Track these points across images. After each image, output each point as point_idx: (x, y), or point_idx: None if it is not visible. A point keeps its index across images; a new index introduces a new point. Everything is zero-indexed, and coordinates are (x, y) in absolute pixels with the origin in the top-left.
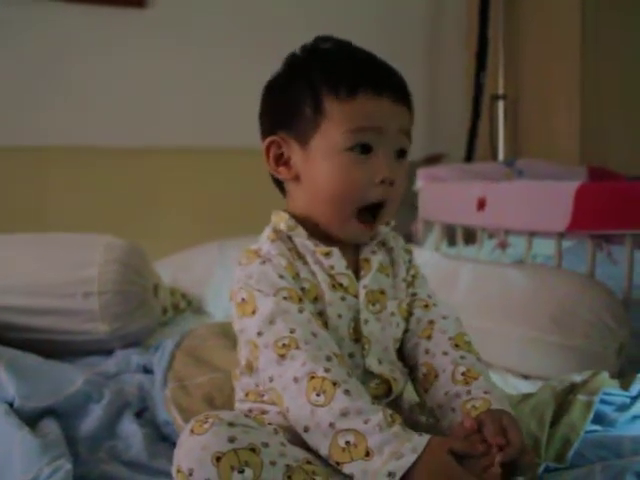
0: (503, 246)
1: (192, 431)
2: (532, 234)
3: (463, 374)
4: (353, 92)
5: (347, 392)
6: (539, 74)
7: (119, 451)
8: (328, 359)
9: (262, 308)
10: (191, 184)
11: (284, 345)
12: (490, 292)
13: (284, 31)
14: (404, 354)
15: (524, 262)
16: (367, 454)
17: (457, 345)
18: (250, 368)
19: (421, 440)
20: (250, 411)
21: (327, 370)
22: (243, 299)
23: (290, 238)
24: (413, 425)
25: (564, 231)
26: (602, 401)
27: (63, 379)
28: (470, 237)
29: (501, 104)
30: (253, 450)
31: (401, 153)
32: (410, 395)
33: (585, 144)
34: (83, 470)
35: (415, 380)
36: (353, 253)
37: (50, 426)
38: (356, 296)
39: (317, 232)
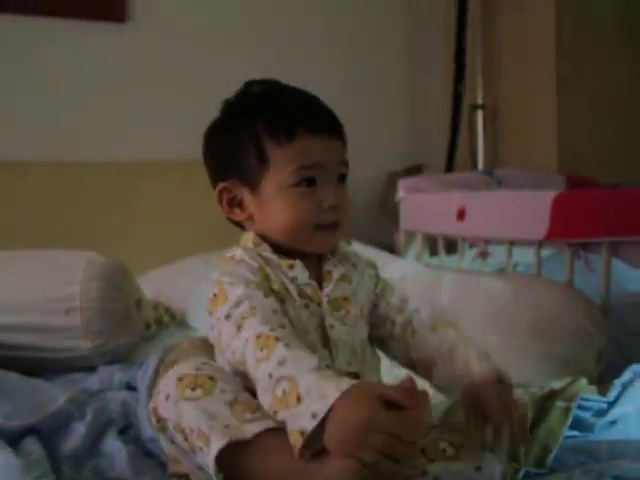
0: (483, 255)
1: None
2: (512, 243)
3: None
4: (292, 136)
5: (287, 345)
6: (517, 84)
7: (103, 469)
8: (280, 326)
9: (231, 295)
10: (175, 198)
11: (242, 317)
12: (470, 301)
13: (266, 46)
14: (398, 358)
15: (504, 271)
16: (298, 399)
17: (435, 327)
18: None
19: (347, 381)
20: None
21: (273, 329)
22: (215, 294)
23: (258, 253)
24: None
25: (542, 240)
26: (580, 407)
27: (45, 397)
28: (451, 247)
29: (480, 114)
30: (211, 378)
31: (341, 178)
32: None
33: (563, 153)
34: None
35: (419, 373)
36: (316, 267)
37: (33, 445)
38: (319, 304)
39: (280, 249)
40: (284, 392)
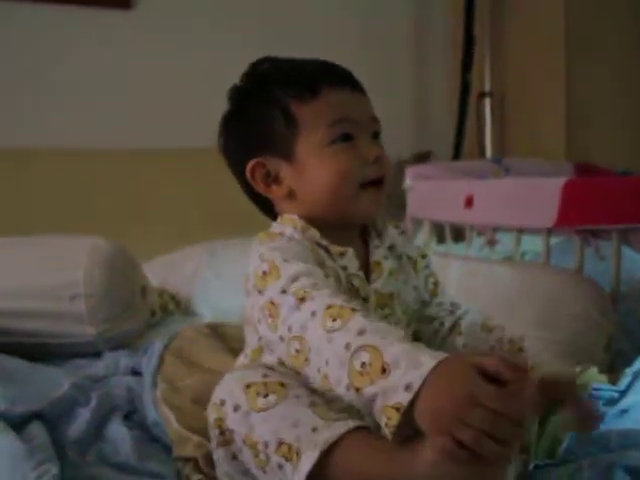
0: (491, 243)
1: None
2: (520, 231)
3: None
4: (315, 91)
5: (366, 315)
6: (525, 71)
7: (107, 454)
8: (348, 300)
9: (287, 271)
10: (180, 185)
11: (305, 292)
12: (477, 289)
13: (270, 32)
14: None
15: (512, 259)
16: (384, 371)
17: (489, 329)
18: (259, 351)
19: (442, 353)
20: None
21: (346, 300)
22: (264, 272)
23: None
24: None
25: (551, 227)
26: (590, 396)
27: (49, 383)
28: (459, 235)
29: (488, 102)
30: (282, 385)
31: (375, 135)
32: None
33: (571, 140)
34: (71, 474)
35: None
36: (363, 255)
37: (37, 431)
38: (365, 299)
39: (327, 234)
40: (364, 364)
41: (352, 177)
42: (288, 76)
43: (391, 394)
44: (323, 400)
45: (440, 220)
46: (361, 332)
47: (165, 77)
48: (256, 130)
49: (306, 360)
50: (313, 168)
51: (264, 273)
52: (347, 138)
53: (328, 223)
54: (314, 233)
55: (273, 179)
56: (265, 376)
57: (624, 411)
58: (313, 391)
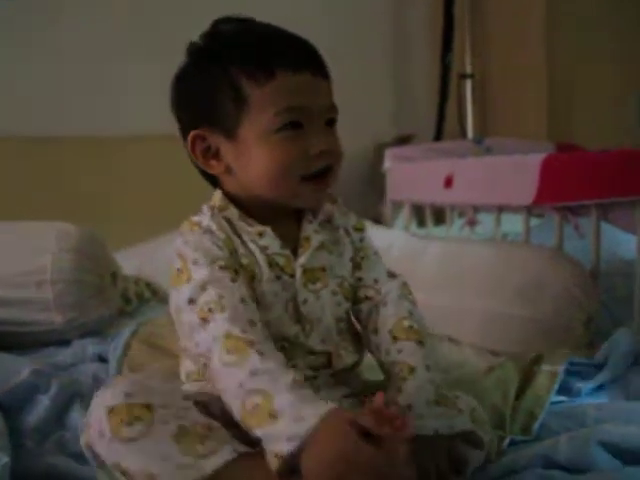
0: (472, 224)
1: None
2: (500, 209)
3: (397, 374)
4: (271, 74)
5: (260, 352)
6: (506, 52)
7: (67, 442)
8: (251, 323)
9: (196, 276)
10: (156, 172)
11: (209, 310)
12: (457, 268)
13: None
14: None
15: (493, 239)
16: (271, 416)
17: (395, 337)
18: (184, 350)
19: (325, 406)
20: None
21: (244, 331)
22: (178, 269)
23: (225, 217)
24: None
25: (530, 204)
26: (567, 371)
27: (9, 370)
28: (439, 217)
29: (469, 83)
30: (147, 407)
31: (330, 122)
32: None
33: (553, 121)
34: (28, 462)
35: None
36: (294, 231)
37: None
38: (292, 276)
39: (253, 211)
40: (256, 406)
41: (293, 169)
42: (247, 52)
43: (274, 442)
44: (193, 421)
45: (420, 202)
46: (253, 373)
47: (145, 60)
48: (202, 100)
49: (211, 377)
50: (254, 153)
51: (178, 270)
52: (295, 126)
53: (261, 201)
54: (232, 212)
55: (213, 154)
56: (128, 395)
57: (601, 386)
58: (187, 409)
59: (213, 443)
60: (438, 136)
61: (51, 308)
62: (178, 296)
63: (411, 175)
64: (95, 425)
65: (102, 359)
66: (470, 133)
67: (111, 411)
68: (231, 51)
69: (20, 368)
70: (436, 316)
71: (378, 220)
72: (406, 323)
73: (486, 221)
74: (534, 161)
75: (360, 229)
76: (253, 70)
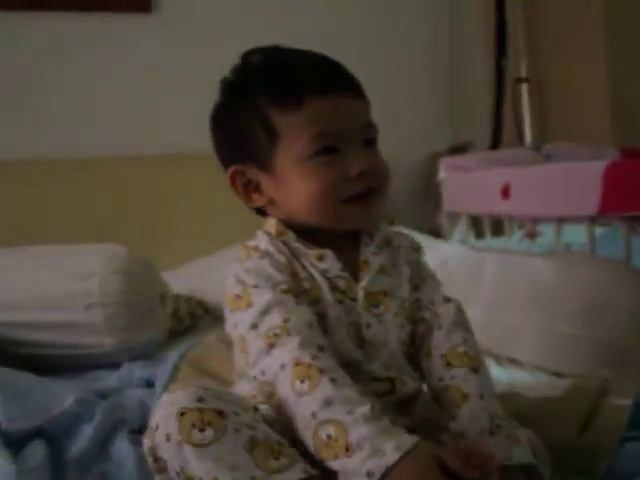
0: (532, 236)
1: (169, 391)
2: (561, 221)
3: (449, 401)
4: (298, 101)
5: (333, 380)
6: (563, 54)
7: (110, 474)
8: (319, 348)
9: (258, 300)
10: (209, 190)
11: (275, 334)
12: (517, 284)
13: (290, 33)
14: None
15: (554, 252)
16: (347, 449)
17: (448, 364)
18: (241, 375)
19: (408, 439)
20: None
21: (314, 357)
22: (237, 295)
23: (284, 242)
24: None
25: (594, 215)
26: (638, 405)
27: (53, 399)
28: (498, 228)
29: (525, 87)
30: (220, 413)
31: (370, 142)
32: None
33: (616, 125)
34: None
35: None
36: (353, 255)
37: (35, 450)
38: (354, 299)
39: (309, 235)
40: (330, 437)
41: (333, 193)
42: (272, 80)
43: (352, 476)
44: (265, 434)
45: (476, 213)
46: (328, 402)
47: (186, 80)
48: (236, 135)
49: (279, 405)
50: (293, 183)
51: (237, 296)
52: (330, 151)
53: (312, 228)
54: (290, 237)
55: (254, 188)
56: (200, 400)
57: None
58: (257, 420)
59: (285, 460)
60: (495, 143)
61: (101, 331)
62: (238, 323)
63: (466, 186)
64: (162, 427)
65: (150, 384)
66: (528, 139)
67: (182, 414)
68: (257, 82)
69: (64, 396)
70: (494, 334)
71: (435, 232)
72: (461, 349)
73: (547, 232)
74: (597, 169)
75: (417, 249)
76: (279, 99)
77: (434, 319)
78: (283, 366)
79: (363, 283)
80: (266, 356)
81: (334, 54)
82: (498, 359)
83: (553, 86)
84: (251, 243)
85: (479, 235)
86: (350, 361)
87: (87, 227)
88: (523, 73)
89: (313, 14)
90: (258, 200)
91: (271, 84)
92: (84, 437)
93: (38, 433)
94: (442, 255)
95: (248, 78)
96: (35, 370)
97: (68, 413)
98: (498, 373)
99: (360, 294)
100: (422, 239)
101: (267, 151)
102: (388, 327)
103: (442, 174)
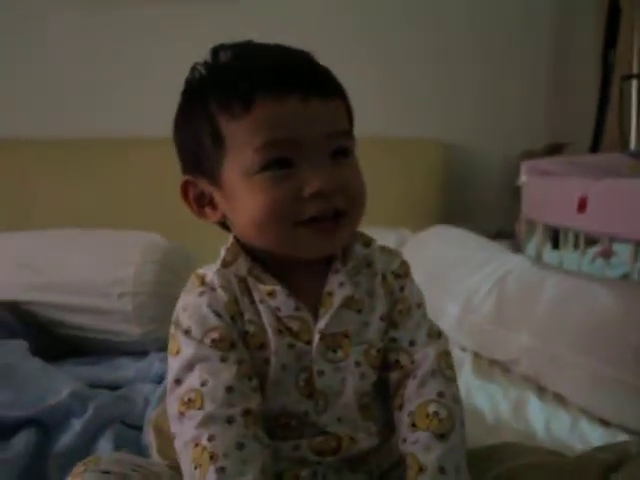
0: (606, 255)
1: (71, 476)
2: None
3: (407, 471)
4: (248, 104)
5: (221, 470)
6: None
7: None
8: (229, 420)
9: (185, 351)
10: None
11: (189, 400)
12: (572, 313)
13: (385, 22)
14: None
15: (629, 277)
16: None
17: (414, 424)
18: None
19: None
20: None
21: (211, 438)
22: (172, 335)
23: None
24: None
25: None
26: None
27: (50, 389)
28: (576, 240)
29: (635, 84)
30: None
31: (340, 153)
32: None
33: None
34: None
35: None
36: (319, 284)
37: (23, 439)
38: (309, 342)
39: (271, 258)
40: None
41: (282, 215)
42: (224, 80)
43: None
44: None
45: (552, 223)
46: None
47: None
48: (189, 142)
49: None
50: (240, 199)
51: (172, 336)
52: (283, 164)
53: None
54: (241, 266)
55: (208, 201)
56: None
57: None
58: None
59: None
60: (595, 146)
61: (130, 319)
62: (170, 366)
63: (545, 193)
64: None
65: (163, 379)
66: (633, 144)
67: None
68: (210, 83)
69: (60, 388)
70: (540, 362)
71: (512, 237)
72: (431, 408)
73: (623, 252)
74: None
75: (400, 275)
76: (229, 102)
77: (409, 365)
78: (186, 444)
79: (321, 324)
80: (177, 423)
81: (432, 52)
82: (543, 392)
83: None
84: (201, 270)
85: (556, 245)
86: (295, 413)
87: (131, 215)
88: (634, 69)
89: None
90: (212, 215)
91: (223, 85)
92: (72, 432)
93: (31, 422)
94: (505, 267)
95: (204, 78)
96: (70, 349)
97: (61, 405)
98: (538, 409)
99: (316, 337)
100: (487, 246)
101: (215, 162)
102: (345, 375)
103: (523, 177)
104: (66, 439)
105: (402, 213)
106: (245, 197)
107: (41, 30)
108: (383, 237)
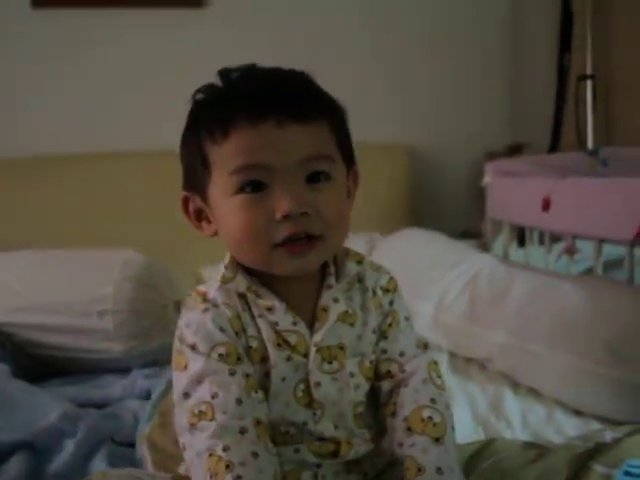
0: (570, 252)
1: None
2: (602, 241)
3: (405, 472)
4: (225, 131)
5: (238, 478)
6: (633, 49)
7: None
8: (241, 431)
9: (193, 365)
10: None
11: (200, 412)
12: (543, 310)
13: (345, 30)
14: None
15: (593, 272)
16: None
17: (409, 429)
18: None
19: None
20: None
21: (226, 448)
22: (178, 351)
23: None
24: None
25: (632, 240)
26: (627, 473)
27: (38, 412)
28: (542, 237)
29: (589, 85)
30: None
31: (315, 177)
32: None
33: None
34: None
35: None
36: (315, 299)
37: (17, 463)
38: (306, 355)
39: (266, 278)
40: None
41: (256, 236)
42: (212, 107)
43: None
44: None
45: (518, 223)
46: None
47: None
48: (187, 160)
49: None
50: (222, 219)
51: (178, 352)
52: (256, 187)
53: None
54: (240, 282)
55: (205, 217)
56: None
57: None
58: None
59: None
60: (554, 145)
61: (112, 337)
62: (176, 382)
63: (510, 193)
64: None
65: (150, 394)
66: (590, 142)
67: None
68: (201, 108)
69: (49, 410)
70: (515, 359)
71: (479, 237)
72: (425, 414)
73: (587, 248)
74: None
75: (389, 290)
76: (213, 128)
77: (400, 375)
78: (199, 454)
79: (317, 337)
80: (188, 434)
81: (390, 57)
82: (516, 388)
83: (620, 84)
84: (202, 288)
85: (522, 242)
86: (294, 421)
87: (110, 230)
88: (588, 70)
89: (363, 13)
90: (207, 229)
91: (210, 110)
92: (66, 452)
93: (23, 446)
94: (476, 267)
95: (200, 102)
96: (52, 370)
97: (52, 427)
98: (514, 403)
99: (312, 350)
100: (456, 247)
101: (204, 182)
102: (341, 386)
103: (487, 178)
104: (60, 460)
105: (369, 217)
106: (226, 217)
107: None
108: (354, 241)
